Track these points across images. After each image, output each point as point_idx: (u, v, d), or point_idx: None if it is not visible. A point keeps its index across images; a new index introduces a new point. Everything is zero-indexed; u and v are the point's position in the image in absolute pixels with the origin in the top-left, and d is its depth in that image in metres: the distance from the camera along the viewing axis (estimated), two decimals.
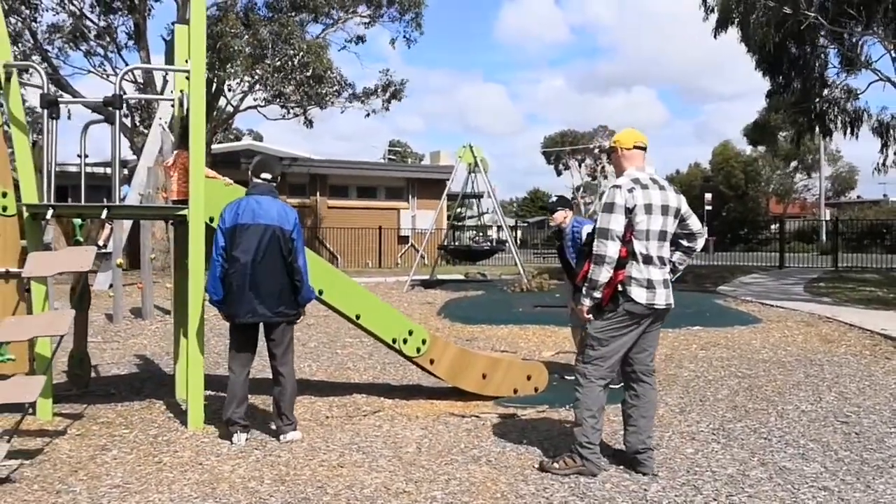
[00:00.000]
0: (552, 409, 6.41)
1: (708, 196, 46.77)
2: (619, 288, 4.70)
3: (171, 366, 8.20)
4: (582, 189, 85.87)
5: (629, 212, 4.67)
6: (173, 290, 6.96)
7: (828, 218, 47.08)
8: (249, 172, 5.61)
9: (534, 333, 10.20)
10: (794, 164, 55.92)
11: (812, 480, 4.66)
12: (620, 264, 4.68)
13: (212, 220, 5.77)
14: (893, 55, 18.46)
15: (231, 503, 4.23)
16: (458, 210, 20.31)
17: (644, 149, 4.98)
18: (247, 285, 5.36)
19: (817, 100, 19.66)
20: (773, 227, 46.34)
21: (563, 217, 7.35)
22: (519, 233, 56.30)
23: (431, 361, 6.56)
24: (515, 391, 6.82)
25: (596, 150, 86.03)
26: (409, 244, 31.64)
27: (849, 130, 20.30)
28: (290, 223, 5.47)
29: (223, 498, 4.31)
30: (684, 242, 4.96)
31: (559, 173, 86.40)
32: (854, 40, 19.17)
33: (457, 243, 20.92)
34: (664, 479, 4.69)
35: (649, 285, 4.71)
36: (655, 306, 4.74)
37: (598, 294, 4.69)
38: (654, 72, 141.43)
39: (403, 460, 5.02)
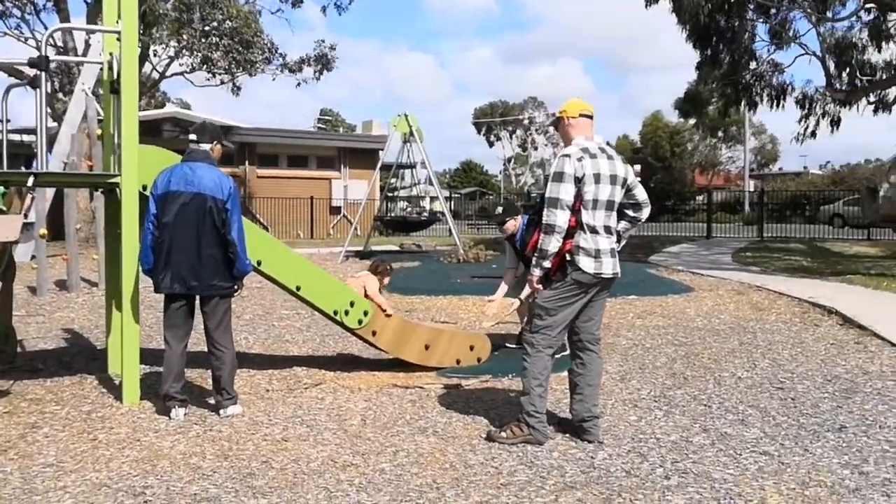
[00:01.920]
0: (495, 378, 6.42)
1: (637, 167, 47.46)
2: (567, 258, 4.69)
3: (102, 339, 7.95)
4: (513, 160, 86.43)
5: (578, 181, 4.64)
6: (104, 261, 6.70)
7: (752, 189, 48.37)
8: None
9: (473, 304, 10.18)
10: (720, 134, 57.16)
11: (752, 445, 4.75)
12: (569, 234, 4.67)
13: (145, 188, 5.55)
14: (818, 29, 18.91)
15: (173, 480, 4.10)
16: (393, 181, 20.12)
17: (590, 117, 4.95)
18: (176, 255, 5.18)
19: (745, 73, 20.02)
20: (699, 198, 47.40)
21: (514, 225, 7.42)
22: (451, 204, 56.38)
23: (373, 333, 6.48)
24: (458, 362, 6.79)
25: (526, 122, 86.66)
26: (342, 215, 31.33)
27: (774, 103, 20.75)
28: (225, 192, 5.26)
29: (164, 475, 4.17)
30: (630, 212, 4.96)
31: (491, 144, 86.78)
32: (781, 15, 19.57)
33: (392, 214, 20.75)
34: (610, 446, 4.73)
35: (597, 255, 4.71)
36: (603, 275, 4.74)
37: (547, 263, 4.67)
38: (580, 43, 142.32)
39: (349, 433, 4.95)
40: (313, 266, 6.49)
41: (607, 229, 4.78)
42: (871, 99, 18.83)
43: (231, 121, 32.01)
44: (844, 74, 19.45)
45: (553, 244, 4.62)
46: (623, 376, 6.47)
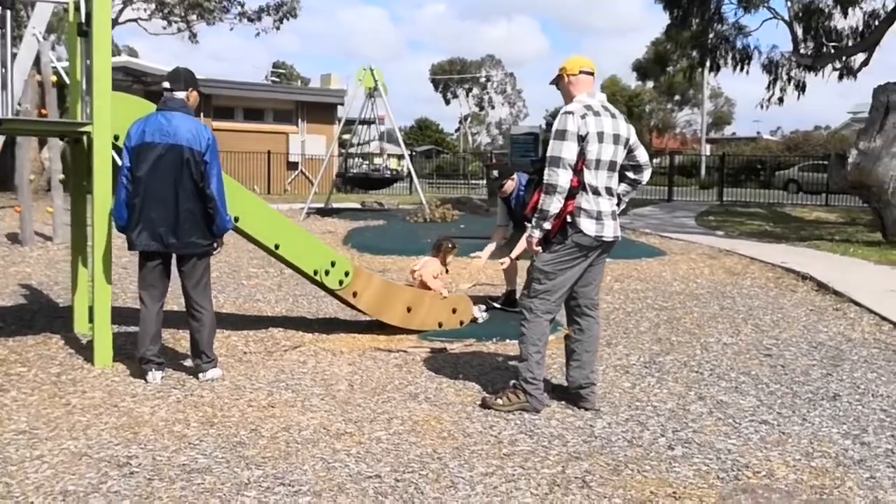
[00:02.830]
0: (479, 342, 6.26)
1: None
2: (569, 219, 4.51)
3: (63, 297, 7.62)
4: (469, 119, 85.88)
5: (581, 139, 4.45)
6: (59, 213, 6.32)
7: (708, 153, 48.74)
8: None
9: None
10: (676, 98, 57.48)
11: (751, 414, 4.67)
12: (570, 194, 4.48)
13: (117, 138, 5.22)
14: None
15: (158, 450, 3.86)
16: (355, 139, 19.71)
17: (592, 74, 4.75)
18: (152, 211, 4.87)
19: (711, 35, 19.94)
20: (655, 160, 47.62)
21: (511, 184, 7.29)
22: (407, 161, 55.96)
23: (354, 294, 6.25)
24: (440, 325, 6.61)
25: (483, 80, 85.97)
26: (299, 170, 30.76)
27: (738, 66, 20.74)
28: (203, 143, 4.93)
29: (148, 444, 3.93)
30: (630, 174, 4.79)
31: (447, 102, 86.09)
32: None
33: (355, 171, 20.35)
34: (608, 414, 4.60)
35: (599, 217, 4.54)
36: (604, 238, 4.57)
37: (547, 225, 4.49)
38: (538, 2, 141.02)
39: (337, 399, 4.75)
40: (292, 223, 6.23)
41: (609, 191, 4.62)
42: (837, 65, 18.90)
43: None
44: (810, 40, 19.46)
45: (554, 205, 4.44)
46: (609, 341, 6.35)
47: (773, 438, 4.29)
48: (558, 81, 4.79)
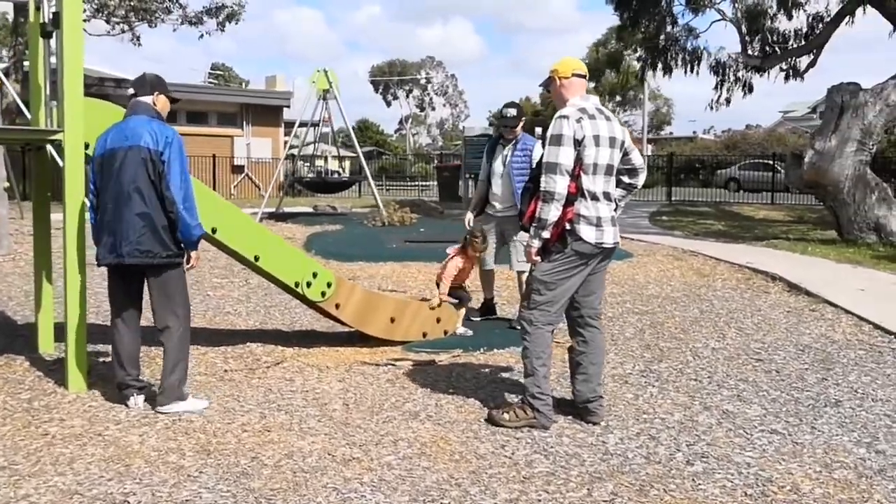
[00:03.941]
0: (466, 353, 6.07)
1: (538, 130, 47.69)
2: (567, 227, 4.36)
3: (21, 312, 7.23)
4: (410, 120, 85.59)
5: (578, 144, 4.30)
6: (34, 225, 5.94)
7: (649, 153, 49.35)
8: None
9: (418, 271, 9.76)
10: (617, 99, 58.05)
11: (759, 424, 4.58)
12: (569, 201, 4.33)
13: (87, 146, 4.89)
14: None
15: (155, 484, 3.57)
16: (312, 141, 19.34)
17: (584, 76, 4.63)
18: (110, 220, 4.52)
19: (662, 37, 20.10)
20: None
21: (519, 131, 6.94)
22: (347, 164, 55.57)
23: (337, 306, 5.99)
24: (425, 335, 6.40)
25: (423, 81, 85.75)
26: (244, 174, 30.16)
27: (689, 68, 20.95)
28: (161, 142, 4.47)
29: (143, 478, 3.64)
30: (626, 178, 4.66)
31: (388, 104, 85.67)
32: None
33: (311, 175, 19.96)
34: (617, 429, 4.46)
35: (598, 223, 4.41)
36: (604, 245, 4.44)
37: (546, 234, 4.33)
38: (470, 2, 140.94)
39: (335, 420, 4.51)
40: (271, 233, 5.96)
41: (607, 195, 4.48)
42: (784, 66, 19.20)
43: (119, 73, 30.19)
44: (757, 42, 19.74)
45: (553, 213, 4.28)
46: None
47: (788, 449, 4.20)
48: (549, 84, 4.64)
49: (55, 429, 4.26)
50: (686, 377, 5.50)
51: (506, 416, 4.44)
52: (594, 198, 4.40)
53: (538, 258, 4.45)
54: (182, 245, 4.61)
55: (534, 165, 4.83)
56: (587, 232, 4.38)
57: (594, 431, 4.40)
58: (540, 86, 4.82)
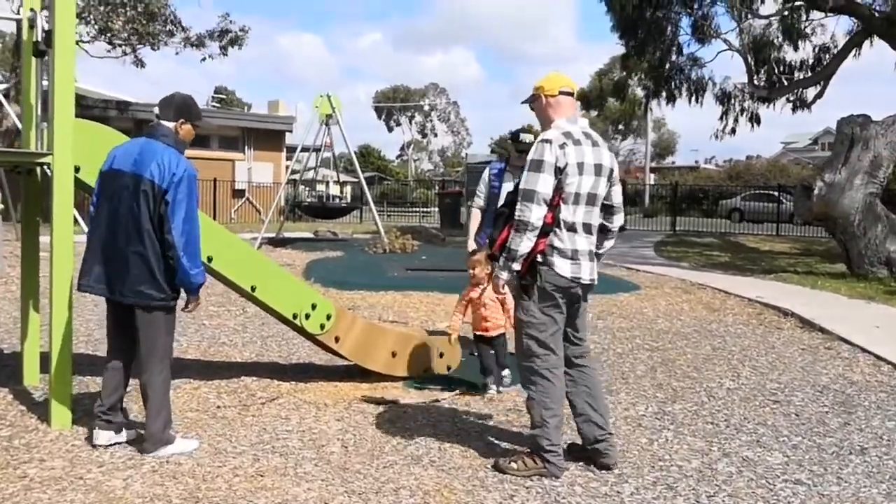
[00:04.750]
0: (470, 390, 5.80)
1: None
2: (539, 259, 4.07)
3: (6, 342, 7.00)
4: (411, 146, 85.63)
5: (559, 171, 4.02)
6: (22, 250, 5.70)
7: (651, 182, 49.28)
8: None
9: (420, 301, 9.51)
10: (620, 127, 58.05)
11: (782, 473, 4.31)
12: (543, 231, 4.05)
13: (78, 169, 4.66)
14: (740, 25, 19.00)
15: None
16: (314, 166, 19.17)
17: (572, 94, 4.33)
18: (102, 248, 4.25)
19: (667, 66, 20.00)
20: None
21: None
22: (348, 189, 55.46)
23: (336, 339, 5.74)
24: (426, 370, 6.14)
25: (427, 108, 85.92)
26: (245, 198, 29.99)
27: (693, 97, 20.82)
28: (166, 177, 4.12)
29: None
30: (601, 216, 4.32)
31: (390, 129, 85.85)
32: (704, 9, 19.62)
33: (311, 200, 19.75)
34: (631, 476, 4.19)
35: (574, 256, 4.13)
36: (581, 280, 4.16)
37: (516, 266, 4.05)
38: (469, 33, 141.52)
39: (333, 464, 4.24)
40: (270, 262, 5.72)
41: (587, 227, 4.19)
42: (790, 97, 19.07)
43: (121, 95, 30.10)
44: (763, 73, 19.63)
45: (524, 244, 4.00)
46: (609, 388, 5.95)
47: (815, 502, 3.94)
48: (533, 101, 4.35)
49: (34, 470, 3.99)
50: (702, 420, 5.23)
51: (514, 465, 4.16)
52: (571, 229, 4.12)
53: (504, 291, 4.20)
54: (175, 288, 4.30)
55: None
56: (561, 265, 4.09)
57: (608, 480, 4.14)
58: (523, 102, 4.51)
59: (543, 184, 3.99)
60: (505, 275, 4.09)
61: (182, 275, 4.21)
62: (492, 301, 5.79)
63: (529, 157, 4.08)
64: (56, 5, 4.44)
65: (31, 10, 5.15)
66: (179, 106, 4.41)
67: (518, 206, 4.01)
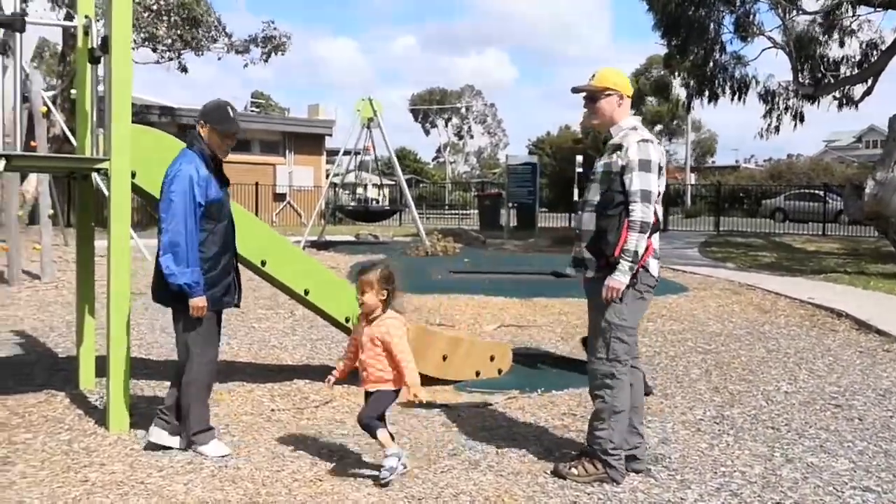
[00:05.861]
0: (523, 394, 5.75)
1: (579, 158, 47.19)
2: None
3: (62, 345, 7.05)
4: (448, 148, 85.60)
5: (660, 171, 4.05)
6: (77, 256, 5.76)
7: (693, 182, 48.70)
8: None
9: (466, 304, 9.47)
10: (658, 128, 57.46)
11: (849, 480, 4.20)
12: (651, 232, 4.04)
13: (134, 174, 4.70)
14: (784, 23, 18.68)
15: None
16: (354, 169, 19.22)
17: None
18: None
19: (710, 64, 19.74)
20: None
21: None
22: (387, 191, 55.61)
23: None
24: (478, 374, 6.10)
25: (463, 110, 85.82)
26: (286, 202, 30.20)
27: (736, 96, 20.51)
28: (166, 181, 4.29)
29: None
30: None
31: (427, 132, 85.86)
32: (746, 6, 19.33)
33: (354, 203, 19.85)
34: (694, 482, 4.11)
35: (657, 256, 4.18)
36: (658, 279, 4.20)
37: (635, 268, 4.01)
38: (504, 33, 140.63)
39: None
40: (321, 266, 5.73)
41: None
42: (837, 94, 18.71)
43: (162, 100, 30.43)
44: (808, 70, 19.28)
45: (643, 244, 3.97)
46: (664, 392, 5.86)
47: None
48: (599, 97, 4.18)
49: (95, 475, 4.02)
50: (762, 424, 5.12)
51: (574, 470, 4.10)
52: (658, 229, 4.14)
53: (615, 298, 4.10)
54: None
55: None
56: (654, 266, 4.15)
57: (670, 486, 4.06)
58: (575, 90, 4.33)
59: (656, 183, 4.00)
60: (626, 279, 3.97)
61: (166, 274, 4.20)
62: (372, 343, 4.08)
63: (638, 157, 3.97)
64: (114, 11, 4.47)
65: (86, 16, 5.22)
66: (203, 110, 4.48)
67: (640, 208, 3.94)
